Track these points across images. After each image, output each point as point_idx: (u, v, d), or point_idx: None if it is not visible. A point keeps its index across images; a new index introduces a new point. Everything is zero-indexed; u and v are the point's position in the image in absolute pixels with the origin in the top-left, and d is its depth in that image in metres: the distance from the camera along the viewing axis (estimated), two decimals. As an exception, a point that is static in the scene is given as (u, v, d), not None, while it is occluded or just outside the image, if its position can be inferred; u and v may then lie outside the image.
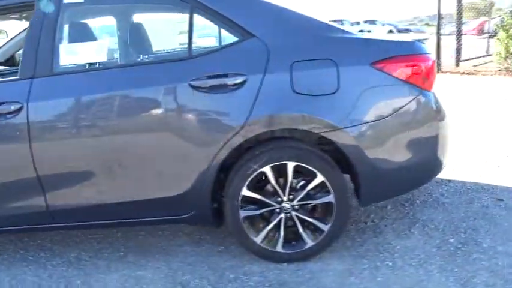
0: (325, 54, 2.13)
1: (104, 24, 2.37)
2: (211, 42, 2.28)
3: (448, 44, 9.83)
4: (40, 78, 2.15)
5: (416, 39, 2.30)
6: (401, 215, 2.79)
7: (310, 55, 2.14)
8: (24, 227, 2.33)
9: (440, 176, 3.35)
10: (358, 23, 29.71)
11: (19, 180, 2.20)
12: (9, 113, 2.11)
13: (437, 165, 2.36)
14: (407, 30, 30.04)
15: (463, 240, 2.44)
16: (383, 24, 31.42)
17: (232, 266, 2.31)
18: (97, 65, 2.20)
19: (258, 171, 2.16)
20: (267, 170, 2.17)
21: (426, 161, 2.29)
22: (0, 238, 2.73)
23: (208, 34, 2.28)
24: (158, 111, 2.13)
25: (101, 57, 2.19)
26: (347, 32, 2.24)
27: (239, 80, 2.09)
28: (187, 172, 2.17)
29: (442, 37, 9.55)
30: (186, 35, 2.18)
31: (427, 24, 34.96)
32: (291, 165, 2.16)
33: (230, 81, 2.09)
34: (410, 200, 3.01)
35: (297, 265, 2.27)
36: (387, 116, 2.15)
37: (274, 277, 2.19)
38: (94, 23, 2.33)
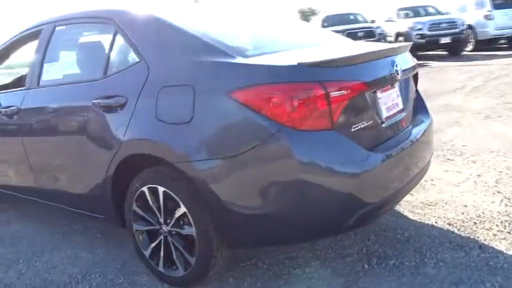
0: (186, 80, 2.00)
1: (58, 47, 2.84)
2: (121, 64, 2.41)
3: None
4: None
5: (307, 62, 1.83)
6: (340, 274, 2.26)
7: (175, 80, 2.05)
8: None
9: (478, 238, 2.48)
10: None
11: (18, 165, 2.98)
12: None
13: (316, 222, 1.88)
14: None
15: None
16: None
17: (133, 272, 2.47)
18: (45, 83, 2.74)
19: (140, 190, 2.25)
20: (146, 190, 2.22)
21: (291, 213, 1.86)
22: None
23: (122, 56, 2.42)
24: (72, 124, 2.49)
25: (54, 75, 2.70)
26: (224, 55, 1.97)
27: (121, 102, 2.21)
28: (92, 179, 2.45)
29: None
30: (107, 56, 2.41)
31: None
32: (160, 190, 2.15)
33: (115, 102, 2.23)
34: (386, 257, 2.37)
35: (171, 290, 2.27)
36: (239, 154, 1.86)
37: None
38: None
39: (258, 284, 2.25)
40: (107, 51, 2.42)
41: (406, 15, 13.51)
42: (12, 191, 3.19)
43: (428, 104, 2.78)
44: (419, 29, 11.91)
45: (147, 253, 2.34)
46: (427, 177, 3.41)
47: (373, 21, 13.45)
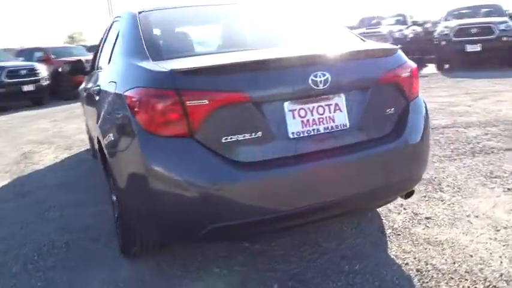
0: (115, 77, 2.25)
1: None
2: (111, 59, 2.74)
3: None
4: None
5: (171, 69, 1.82)
6: (243, 285, 2.18)
7: (113, 76, 2.32)
8: None
9: None
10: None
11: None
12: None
13: (167, 226, 1.94)
14: None
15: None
16: None
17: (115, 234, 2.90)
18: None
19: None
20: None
21: (146, 214, 1.95)
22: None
23: (115, 52, 2.72)
24: (93, 101, 3.00)
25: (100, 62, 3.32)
26: (142, 58, 2.08)
27: (97, 90, 2.62)
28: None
29: None
30: (111, 51, 2.84)
31: None
32: (112, 168, 2.50)
33: (96, 89, 2.67)
34: (306, 284, 2.15)
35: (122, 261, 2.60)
36: (123, 150, 2.04)
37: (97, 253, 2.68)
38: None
39: (178, 272, 2.37)
40: (113, 46, 2.85)
41: None
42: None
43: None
44: None
45: (115, 220, 2.74)
46: (474, 212, 2.76)
47: None
